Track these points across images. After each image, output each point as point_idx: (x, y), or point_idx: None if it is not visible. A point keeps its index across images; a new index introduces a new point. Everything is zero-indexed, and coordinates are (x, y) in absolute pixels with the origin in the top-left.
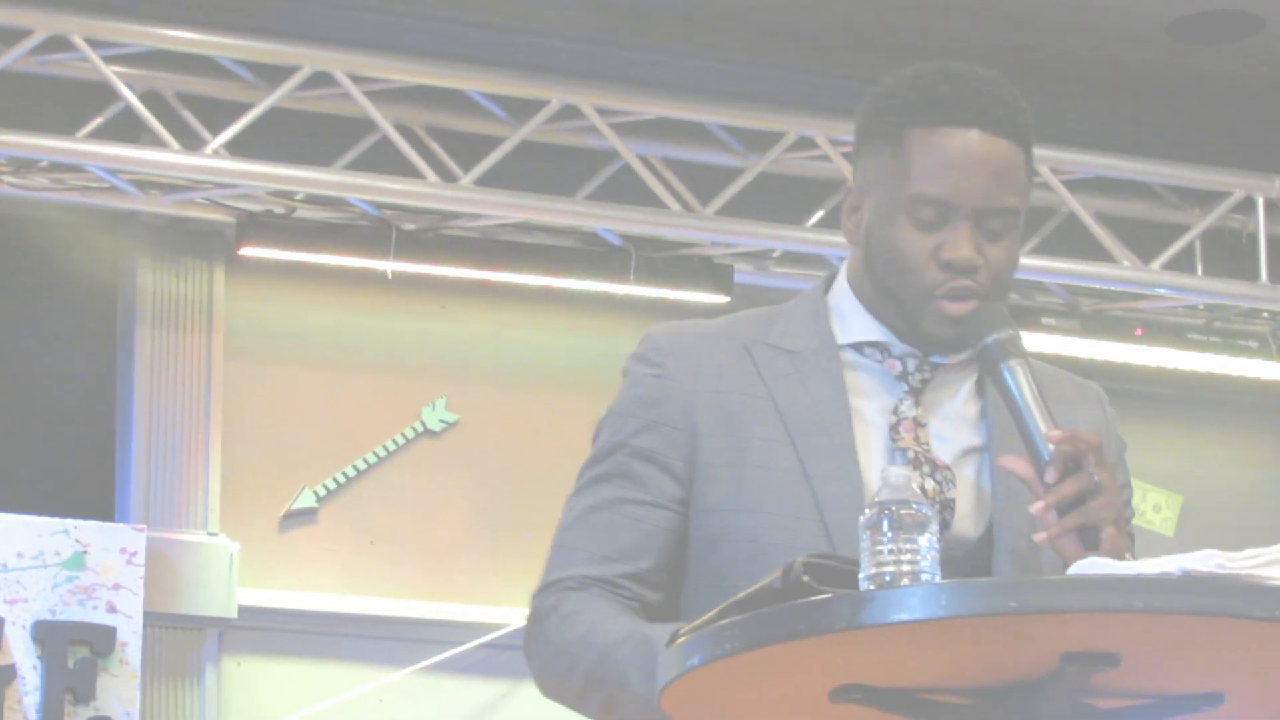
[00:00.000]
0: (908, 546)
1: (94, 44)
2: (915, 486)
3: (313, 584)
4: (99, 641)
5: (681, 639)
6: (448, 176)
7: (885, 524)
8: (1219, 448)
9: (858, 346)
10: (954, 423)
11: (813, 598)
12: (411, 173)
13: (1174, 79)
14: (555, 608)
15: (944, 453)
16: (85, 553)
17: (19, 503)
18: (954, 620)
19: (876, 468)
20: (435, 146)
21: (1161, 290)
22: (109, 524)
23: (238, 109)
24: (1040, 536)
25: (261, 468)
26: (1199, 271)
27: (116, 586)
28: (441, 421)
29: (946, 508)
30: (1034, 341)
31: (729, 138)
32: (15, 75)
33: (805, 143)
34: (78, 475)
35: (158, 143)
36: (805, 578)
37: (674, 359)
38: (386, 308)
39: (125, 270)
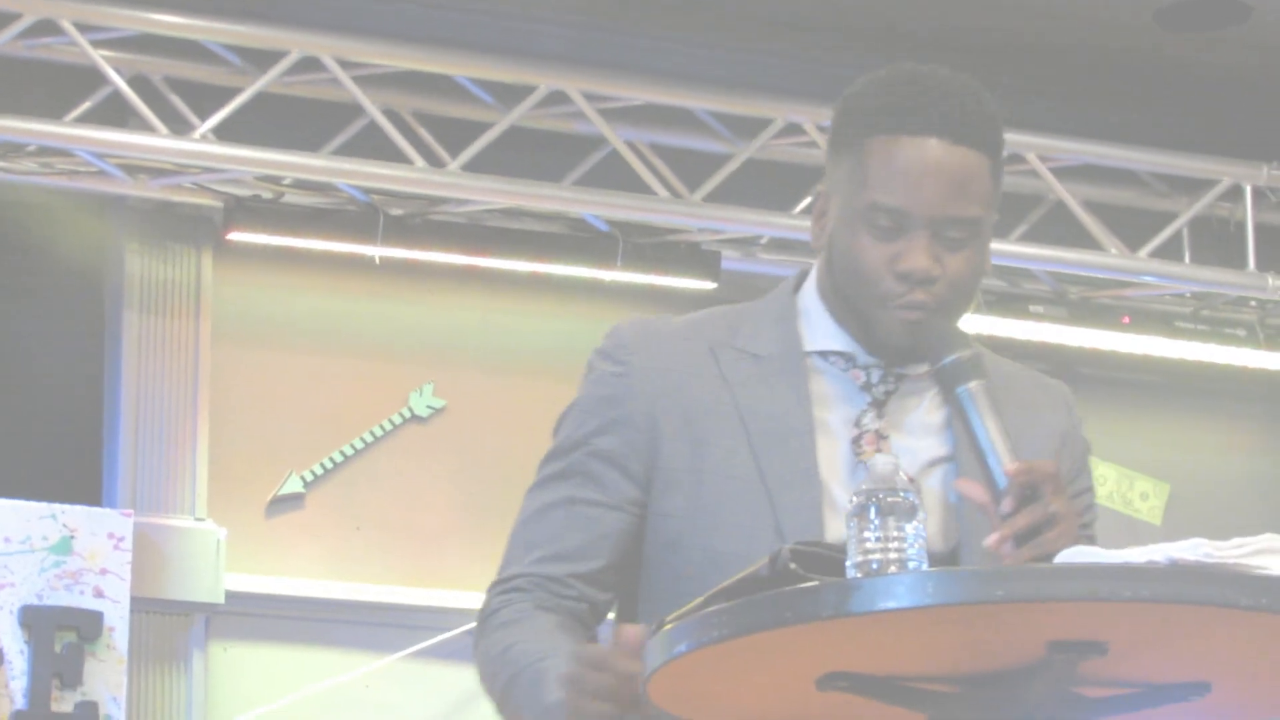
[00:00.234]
0: (895, 535)
1: (82, 28)
2: (901, 475)
3: (300, 569)
4: (86, 626)
5: (668, 626)
6: (435, 162)
7: (872, 512)
8: (1206, 436)
9: (823, 354)
10: (918, 434)
11: (800, 585)
12: (399, 158)
13: (1162, 67)
14: (497, 611)
15: (908, 465)
16: (72, 538)
17: (6, 487)
18: (941, 608)
19: (837, 480)
20: (423, 132)
21: (1149, 278)
22: (96, 509)
23: (226, 94)
24: None
25: (249, 453)
26: (1186, 259)
27: (104, 571)
28: (429, 407)
29: None
30: (1022, 329)
31: (717, 124)
32: (3, 59)
33: (793, 129)
34: (65, 460)
35: (146, 127)
36: (792, 565)
37: (639, 357)
38: (374, 293)
39: (113, 255)
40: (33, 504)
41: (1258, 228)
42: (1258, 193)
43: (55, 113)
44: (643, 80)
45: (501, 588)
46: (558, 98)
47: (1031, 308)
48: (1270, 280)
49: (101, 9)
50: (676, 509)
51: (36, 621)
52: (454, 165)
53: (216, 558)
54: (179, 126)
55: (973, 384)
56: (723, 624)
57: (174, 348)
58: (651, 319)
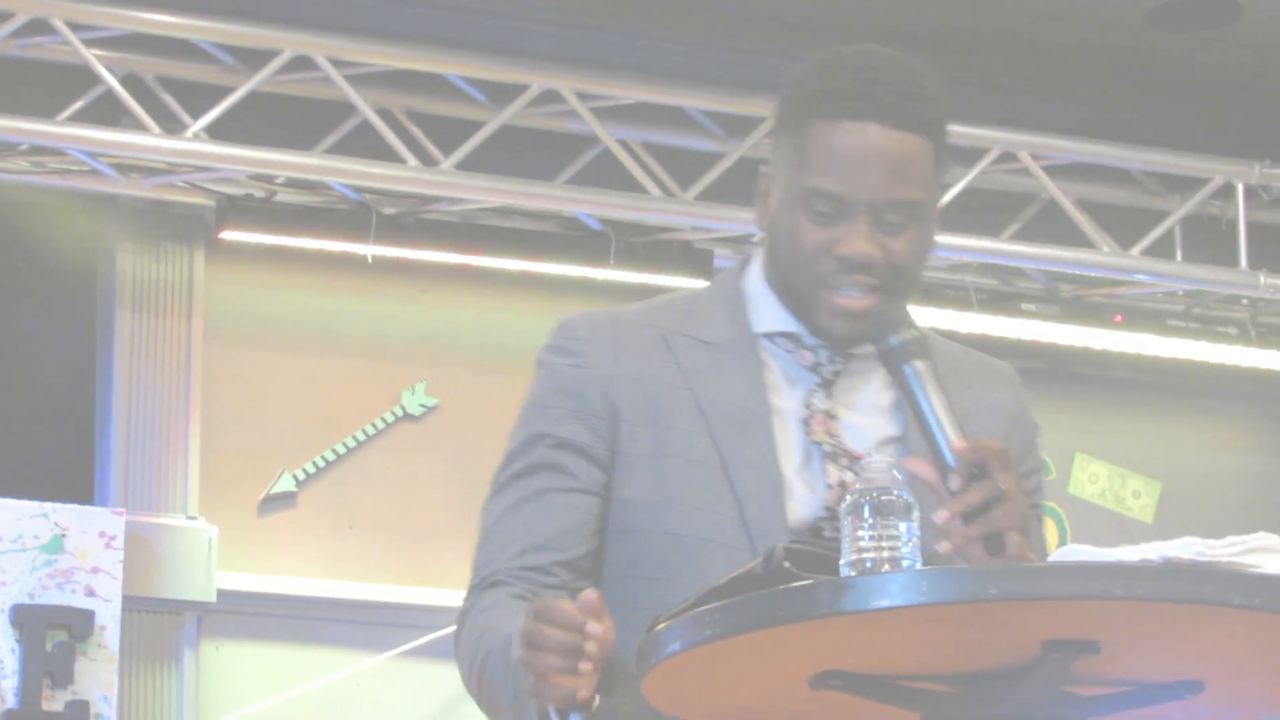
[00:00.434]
0: (888, 533)
1: (75, 27)
2: (895, 474)
3: (292, 568)
4: (77, 625)
5: (661, 625)
6: (428, 160)
7: (866, 510)
8: (1198, 434)
9: (770, 336)
10: (868, 413)
11: (794, 584)
12: (392, 157)
13: (1153, 65)
14: (475, 604)
15: (858, 444)
16: (64, 536)
17: None
18: (935, 607)
19: (792, 462)
20: (415, 130)
21: (1141, 276)
22: (88, 507)
23: (218, 92)
24: (944, 546)
25: (241, 451)
26: (1178, 258)
27: (95, 570)
28: (421, 406)
29: None
30: (1014, 327)
31: (709, 122)
32: None
33: None
34: (57, 458)
35: (138, 126)
36: (786, 564)
37: (592, 347)
38: (366, 291)
39: (105, 254)
40: (24, 502)
41: (1250, 226)
42: (1250, 191)
43: (47, 112)
44: (635, 79)
45: (478, 588)
46: (550, 96)
47: (1024, 306)
48: (1262, 278)
49: (93, 8)
50: (637, 494)
51: (28, 620)
52: (446, 164)
53: (208, 556)
54: (171, 125)
55: (918, 363)
56: (716, 623)
57: (166, 346)
58: (599, 311)
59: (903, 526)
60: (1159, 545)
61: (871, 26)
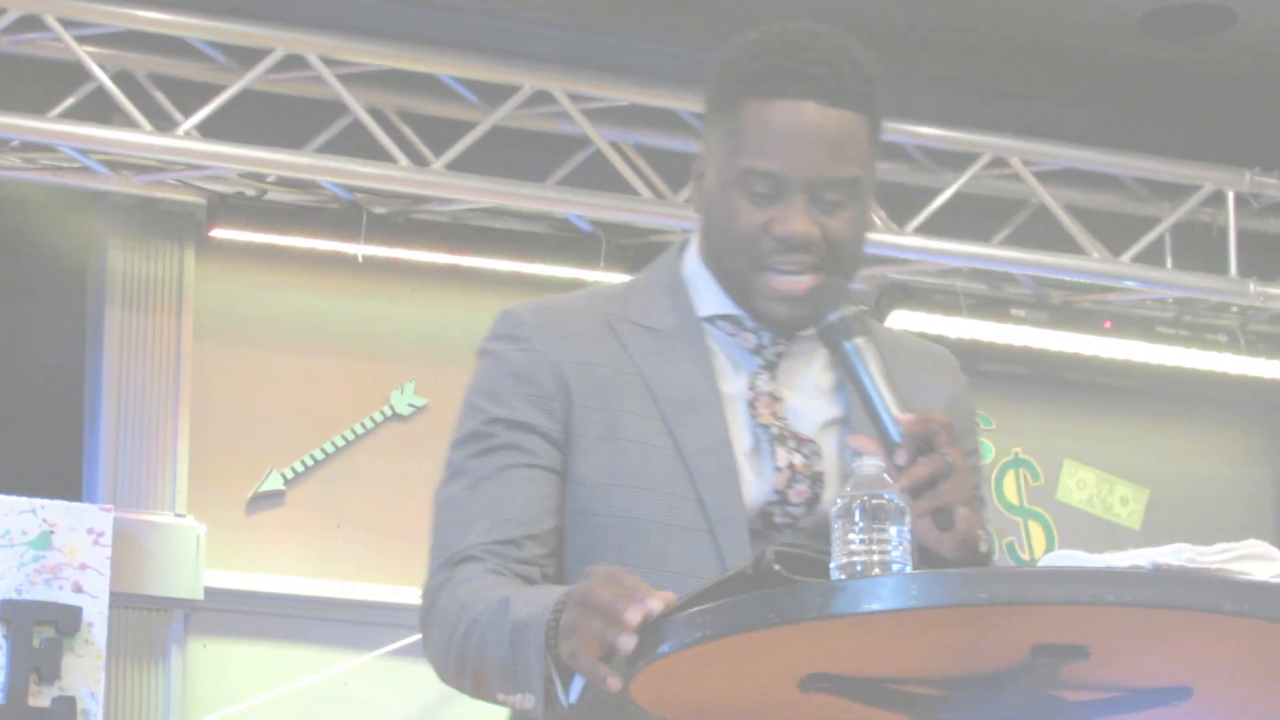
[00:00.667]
0: (879, 536)
1: (67, 24)
2: (886, 477)
3: (279, 566)
4: (65, 621)
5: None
6: (419, 160)
7: (857, 514)
8: (1186, 441)
9: (712, 320)
10: (811, 395)
11: (784, 586)
12: (383, 156)
13: (1146, 72)
14: (448, 579)
15: (804, 426)
16: (52, 532)
17: None
18: (925, 611)
19: (742, 445)
20: (407, 130)
21: (1131, 283)
22: (76, 504)
23: (210, 90)
24: None
25: (230, 449)
26: (1168, 264)
27: (83, 566)
28: (410, 405)
29: (816, 481)
30: (1003, 333)
31: (700, 125)
32: None
33: None
34: (45, 455)
35: (129, 123)
36: (776, 566)
37: (540, 332)
38: (356, 291)
39: (95, 251)
40: (12, 498)
41: (1240, 233)
42: (1240, 198)
43: (39, 108)
44: (627, 81)
45: (447, 565)
46: (542, 98)
47: (1013, 311)
48: (1252, 286)
49: (86, 5)
50: (592, 475)
51: (15, 616)
52: (438, 164)
53: (196, 554)
54: (163, 123)
55: (858, 339)
56: (706, 624)
57: (156, 344)
58: (541, 299)
59: (894, 530)
60: (1149, 551)
61: (862, 32)
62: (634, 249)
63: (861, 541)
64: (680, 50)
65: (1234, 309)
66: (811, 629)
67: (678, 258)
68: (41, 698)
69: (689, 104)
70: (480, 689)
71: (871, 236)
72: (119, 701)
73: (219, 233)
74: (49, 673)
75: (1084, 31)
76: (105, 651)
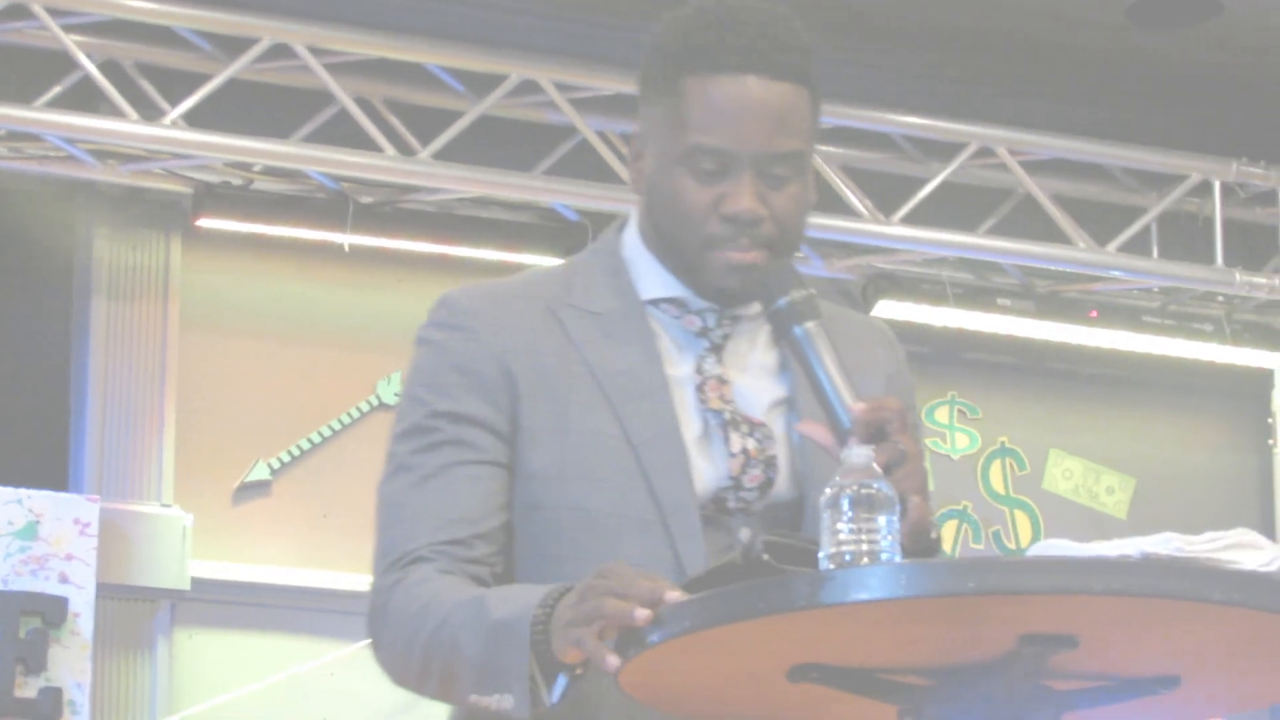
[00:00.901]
0: (867, 526)
1: (53, 12)
2: (875, 467)
3: (266, 556)
4: (51, 612)
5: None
6: (406, 150)
7: (845, 503)
8: (1173, 430)
9: (656, 303)
10: (757, 375)
11: (772, 576)
12: (370, 146)
13: (1132, 62)
14: (401, 580)
15: (752, 408)
16: (38, 523)
17: None
18: (913, 600)
19: (692, 432)
20: (394, 120)
21: (1117, 273)
22: (62, 494)
23: (196, 80)
24: None
25: (216, 439)
26: (1154, 254)
27: (69, 557)
28: (397, 395)
29: (770, 466)
30: (989, 322)
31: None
32: None
33: None
34: (32, 445)
35: (116, 112)
36: (765, 556)
37: (480, 320)
38: (343, 281)
39: (81, 240)
40: None
41: (1226, 223)
42: (1226, 188)
43: (25, 97)
44: (614, 70)
45: (396, 566)
46: (529, 87)
47: (999, 301)
48: (1238, 276)
49: None
50: (541, 466)
51: (1, 607)
52: (424, 154)
53: (182, 544)
54: (149, 112)
55: (810, 324)
56: (694, 614)
57: (142, 334)
58: (479, 284)
59: (882, 520)
60: (1138, 541)
61: (852, 23)
62: None
63: (850, 531)
64: None
65: (1220, 299)
66: (800, 619)
67: (616, 239)
68: (28, 689)
69: None
70: (447, 691)
71: (857, 226)
72: (105, 692)
73: (205, 222)
74: (35, 663)
75: (1070, 21)
76: (92, 642)
